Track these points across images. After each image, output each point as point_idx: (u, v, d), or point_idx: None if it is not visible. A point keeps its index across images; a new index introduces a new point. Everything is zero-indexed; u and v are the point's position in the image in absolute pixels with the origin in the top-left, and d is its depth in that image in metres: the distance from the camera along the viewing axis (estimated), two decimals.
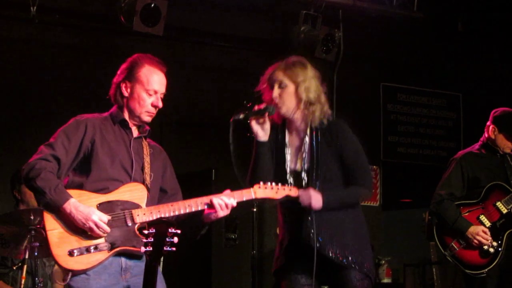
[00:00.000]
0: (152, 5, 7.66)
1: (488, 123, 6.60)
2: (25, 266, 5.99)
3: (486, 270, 6.31)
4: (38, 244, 5.77)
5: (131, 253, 4.38)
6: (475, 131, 6.76)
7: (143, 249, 3.87)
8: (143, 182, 4.49)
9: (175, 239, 3.86)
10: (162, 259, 4.23)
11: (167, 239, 3.84)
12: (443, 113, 10.93)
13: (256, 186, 4.56)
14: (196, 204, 4.45)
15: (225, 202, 4.44)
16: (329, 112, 4.79)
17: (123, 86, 4.54)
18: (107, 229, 4.28)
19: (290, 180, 4.76)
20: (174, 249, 3.87)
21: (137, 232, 4.36)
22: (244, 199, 4.54)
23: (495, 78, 10.28)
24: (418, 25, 9.52)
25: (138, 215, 4.37)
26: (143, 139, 4.62)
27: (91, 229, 4.25)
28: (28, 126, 7.85)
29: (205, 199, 4.46)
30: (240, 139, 4.68)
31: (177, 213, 4.41)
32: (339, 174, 4.74)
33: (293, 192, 4.64)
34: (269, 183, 4.58)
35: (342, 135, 4.76)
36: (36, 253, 5.81)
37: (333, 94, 9.18)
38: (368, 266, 4.74)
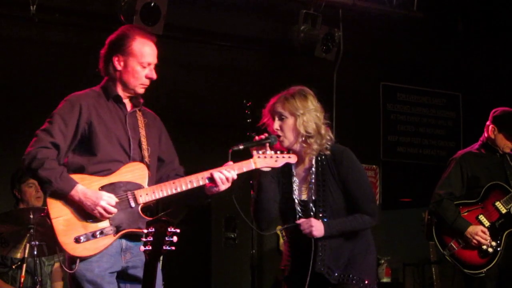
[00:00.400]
0: (152, 4, 7.66)
1: (488, 122, 6.59)
2: (24, 265, 5.99)
3: (485, 270, 6.30)
4: (37, 243, 5.77)
5: (134, 234, 4.36)
6: (474, 130, 6.77)
7: (142, 248, 3.88)
8: (142, 160, 4.48)
9: (175, 238, 3.87)
10: (161, 258, 4.22)
11: (167, 238, 3.85)
12: (443, 113, 10.93)
13: (255, 156, 4.59)
14: (197, 180, 4.48)
15: (225, 175, 4.46)
16: (330, 142, 4.81)
17: (115, 59, 4.51)
18: (115, 211, 4.29)
19: (298, 209, 4.80)
20: (173, 248, 3.89)
21: (141, 213, 4.37)
22: (244, 170, 4.56)
23: (494, 78, 10.29)
24: (418, 24, 9.52)
25: (141, 196, 4.38)
26: (137, 110, 4.60)
27: (100, 214, 4.27)
28: (28, 125, 7.81)
29: (206, 174, 4.49)
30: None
31: (179, 190, 4.43)
32: (344, 202, 4.79)
33: (292, 159, 4.69)
34: (268, 152, 4.62)
35: (346, 163, 4.79)
36: (35, 252, 5.81)
37: (333, 94, 9.20)
38: (368, 282, 4.75)
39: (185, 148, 9.00)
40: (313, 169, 4.80)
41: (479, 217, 6.40)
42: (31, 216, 5.80)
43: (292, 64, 9.41)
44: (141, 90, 4.56)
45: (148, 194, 4.39)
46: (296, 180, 4.86)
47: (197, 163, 8.94)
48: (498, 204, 6.39)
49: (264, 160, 4.59)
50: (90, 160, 4.39)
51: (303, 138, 4.74)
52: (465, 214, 6.41)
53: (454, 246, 6.39)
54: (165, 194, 4.41)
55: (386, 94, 10.60)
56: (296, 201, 4.82)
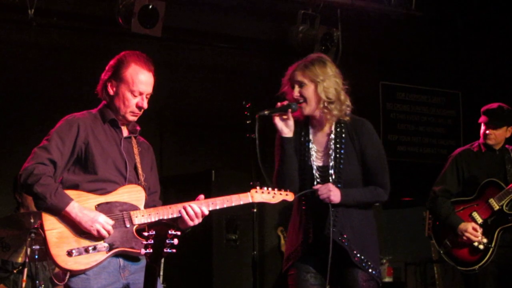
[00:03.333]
0: (150, 7, 7.66)
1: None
2: (25, 270, 5.99)
3: (477, 266, 6.30)
4: (38, 247, 5.77)
5: (129, 254, 4.38)
6: (474, 128, 6.76)
7: (143, 251, 3.87)
8: (139, 183, 4.49)
9: (175, 241, 3.86)
10: (162, 260, 4.21)
11: (167, 241, 3.84)
12: (443, 111, 10.92)
13: (253, 191, 4.61)
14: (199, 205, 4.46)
15: (195, 211, 4.41)
16: (349, 109, 4.84)
17: (109, 85, 4.49)
18: (112, 230, 4.29)
19: (317, 175, 4.79)
20: (174, 250, 3.87)
21: (136, 234, 4.36)
22: (241, 202, 4.59)
23: (494, 76, 10.28)
24: (417, 23, 9.52)
25: (136, 217, 4.37)
26: (132, 137, 4.60)
27: (98, 231, 4.26)
28: (28, 129, 7.84)
29: (202, 201, 4.48)
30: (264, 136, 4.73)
31: (175, 215, 4.41)
32: (360, 171, 4.81)
33: (289, 197, 4.70)
34: (265, 188, 4.64)
35: (367, 135, 4.85)
36: (36, 256, 5.81)
37: None
38: (378, 270, 4.79)
39: (185, 149, 9.06)
40: (332, 135, 4.80)
41: (473, 214, 6.41)
42: (32, 221, 5.81)
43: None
44: (132, 118, 4.53)
45: (144, 216, 4.39)
46: (314, 146, 4.85)
47: (197, 164, 8.97)
48: (491, 201, 6.39)
49: (261, 195, 4.63)
50: (85, 178, 4.39)
51: (324, 104, 4.74)
52: (460, 211, 6.43)
53: (449, 243, 6.41)
54: (160, 218, 4.40)
55: (386, 93, 10.59)
56: (314, 167, 4.80)
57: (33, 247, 5.80)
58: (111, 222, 4.30)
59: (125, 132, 4.58)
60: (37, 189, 4.24)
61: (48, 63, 8.21)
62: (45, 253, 4.32)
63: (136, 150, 4.56)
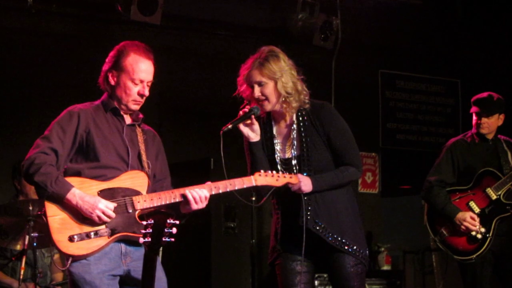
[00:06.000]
0: None
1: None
2: (24, 257, 6.00)
3: (474, 256, 6.32)
4: (37, 234, 5.77)
5: (131, 239, 4.41)
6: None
7: (141, 240, 3.89)
8: (142, 170, 4.52)
9: (174, 230, 3.88)
10: (161, 248, 4.22)
11: (166, 230, 3.85)
12: (442, 100, 10.91)
13: (256, 174, 4.63)
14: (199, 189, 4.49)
15: (199, 194, 4.44)
16: (308, 96, 4.83)
17: (110, 75, 4.55)
18: (113, 215, 4.33)
19: (281, 169, 4.81)
20: (173, 240, 3.89)
21: (138, 219, 4.39)
22: (245, 186, 4.60)
23: (493, 64, 10.27)
24: (417, 11, 9.51)
25: (138, 202, 4.41)
26: (137, 126, 4.64)
27: (99, 217, 4.29)
28: (27, 116, 7.85)
29: (204, 186, 4.51)
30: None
31: (177, 200, 4.44)
32: (329, 156, 4.81)
33: (293, 179, 4.69)
34: (269, 171, 4.65)
35: (329, 117, 4.82)
36: (35, 244, 5.82)
37: (332, 82, 9.19)
38: (363, 252, 4.81)
39: (184, 136, 9.07)
40: (294, 125, 4.82)
41: (470, 203, 6.42)
42: (31, 208, 5.81)
43: (290, 52, 9.28)
44: (134, 107, 4.58)
45: (146, 201, 4.42)
46: (277, 140, 4.88)
47: (196, 151, 8.97)
48: (488, 190, 6.40)
49: (265, 178, 4.64)
50: (87, 165, 4.43)
51: (283, 99, 4.75)
52: (456, 200, 6.43)
53: (445, 233, 6.43)
54: (163, 203, 4.42)
55: (385, 81, 10.58)
56: (278, 160, 4.83)
57: (32, 234, 5.80)
58: (112, 206, 4.33)
59: (128, 120, 4.63)
60: (38, 178, 4.29)
61: (47, 50, 8.21)
62: (48, 239, 4.35)
63: (140, 138, 4.60)
